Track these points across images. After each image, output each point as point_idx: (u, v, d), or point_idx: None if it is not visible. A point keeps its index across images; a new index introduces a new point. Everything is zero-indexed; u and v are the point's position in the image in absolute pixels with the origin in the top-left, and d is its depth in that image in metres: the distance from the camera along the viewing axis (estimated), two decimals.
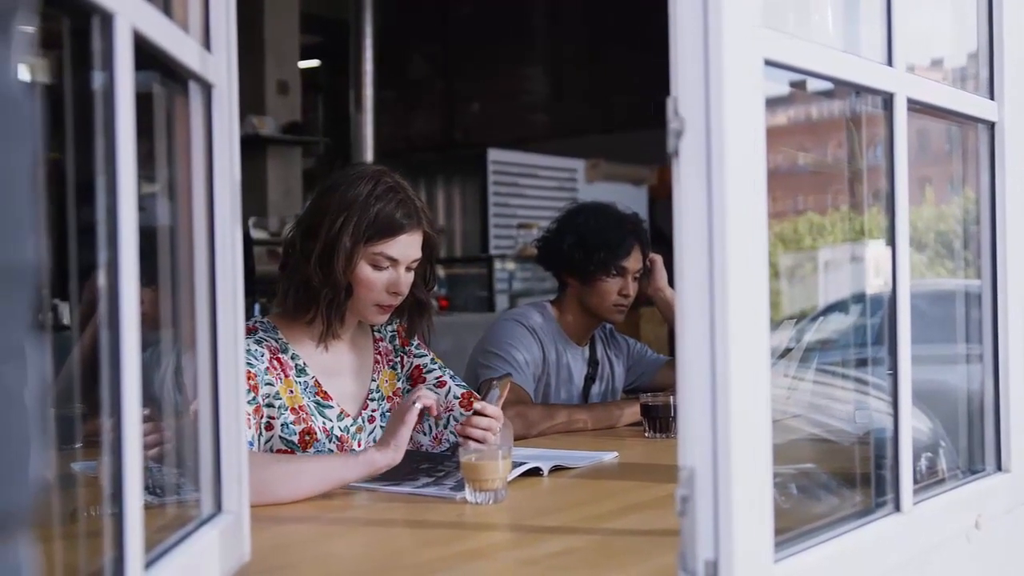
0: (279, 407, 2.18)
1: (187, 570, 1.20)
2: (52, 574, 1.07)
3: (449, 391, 2.38)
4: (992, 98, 1.80)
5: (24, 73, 0.61)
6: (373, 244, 2.19)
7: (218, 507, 1.37)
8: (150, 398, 1.11)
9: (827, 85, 1.57)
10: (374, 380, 2.37)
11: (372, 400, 2.36)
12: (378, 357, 2.40)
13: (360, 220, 2.17)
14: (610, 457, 2.37)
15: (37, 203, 0.59)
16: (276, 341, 2.24)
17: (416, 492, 1.98)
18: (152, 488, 1.30)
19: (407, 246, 2.23)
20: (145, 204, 1.12)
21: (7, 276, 0.55)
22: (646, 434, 2.70)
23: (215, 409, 1.37)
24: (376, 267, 2.21)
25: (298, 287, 2.22)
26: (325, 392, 2.27)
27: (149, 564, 1.08)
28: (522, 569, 1.53)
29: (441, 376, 2.41)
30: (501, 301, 7.49)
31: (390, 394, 2.39)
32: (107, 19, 0.98)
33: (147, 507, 1.06)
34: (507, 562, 1.58)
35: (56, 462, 1.15)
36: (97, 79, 1.00)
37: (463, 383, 2.43)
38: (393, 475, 2.05)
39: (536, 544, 1.66)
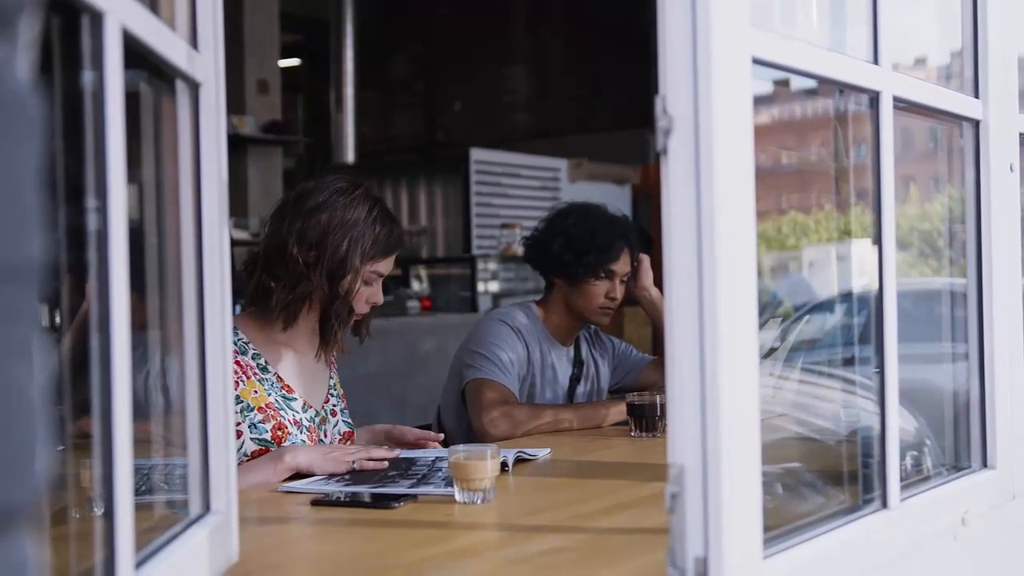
0: (242, 410, 2.21)
1: (177, 570, 1.19)
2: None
3: (336, 424, 2.45)
4: (976, 96, 1.81)
5: (29, 71, 0.61)
6: (373, 263, 2.30)
7: (207, 507, 1.37)
8: (135, 399, 1.11)
9: (810, 84, 1.57)
10: (332, 378, 2.47)
11: (332, 396, 2.45)
12: (332, 358, 2.48)
13: (365, 241, 2.27)
14: (543, 454, 2.37)
15: (42, 201, 0.59)
16: (235, 344, 2.25)
17: (411, 492, 1.95)
18: (138, 487, 1.29)
19: (392, 262, 2.37)
20: (130, 204, 1.11)
21: (15, 274, 0.55)
22: (632, 433, 2.70)
23: (203, 410, 1.36)
24: (367, 283, 2.31)
25: (300, 299, 2.27)
26: (288, 386, 2.33)
27: (139, 564, 1.08)
28: (512, 568, 1.53)
29: (341, 405, 2.49)
30: (484, 301, 7.47)
31: (341, 394, 2.50)
32: (97, 18, 0.97)
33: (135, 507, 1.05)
34: (497, 561, 1.57)
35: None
36: (86, 78, 0.99)
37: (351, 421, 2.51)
38: (376, 480, 2.04)
39: (525, 543, 1.66)
